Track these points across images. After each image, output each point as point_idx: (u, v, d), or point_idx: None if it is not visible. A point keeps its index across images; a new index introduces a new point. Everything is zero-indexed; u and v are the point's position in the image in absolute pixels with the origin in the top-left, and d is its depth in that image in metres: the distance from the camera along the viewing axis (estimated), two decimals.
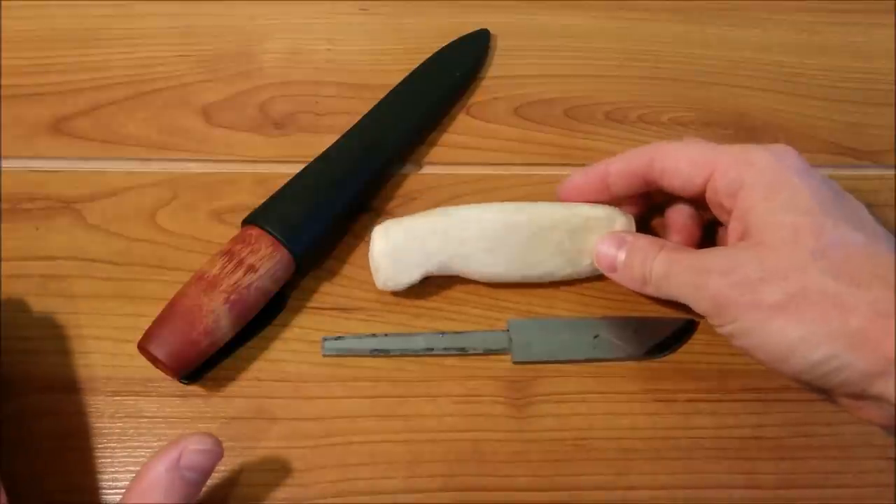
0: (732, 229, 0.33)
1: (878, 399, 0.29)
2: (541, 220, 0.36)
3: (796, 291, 0.29)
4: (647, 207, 0.39)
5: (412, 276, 0.36)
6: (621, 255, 0.34)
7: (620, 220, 0.36)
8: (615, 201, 0.37)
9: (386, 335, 0.36)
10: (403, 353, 0.36)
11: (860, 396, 0.29)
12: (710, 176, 0.33)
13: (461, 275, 0.37)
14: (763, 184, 0.31)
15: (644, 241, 0.34)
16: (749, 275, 0.30)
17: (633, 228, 0.36)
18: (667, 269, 0.32)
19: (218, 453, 0.29)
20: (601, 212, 0.36)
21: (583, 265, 0.36)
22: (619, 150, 0.42)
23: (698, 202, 0.35)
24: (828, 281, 0.28)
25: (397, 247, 0.35)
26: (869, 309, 0.28)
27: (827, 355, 0.28)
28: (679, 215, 0.37)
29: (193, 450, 0.28)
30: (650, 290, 0.33)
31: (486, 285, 0.38)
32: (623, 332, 0.36)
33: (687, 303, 0.32)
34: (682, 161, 0.34)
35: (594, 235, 0.36)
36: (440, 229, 0.36)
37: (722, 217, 0.34)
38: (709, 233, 0.37)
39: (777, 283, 0.29)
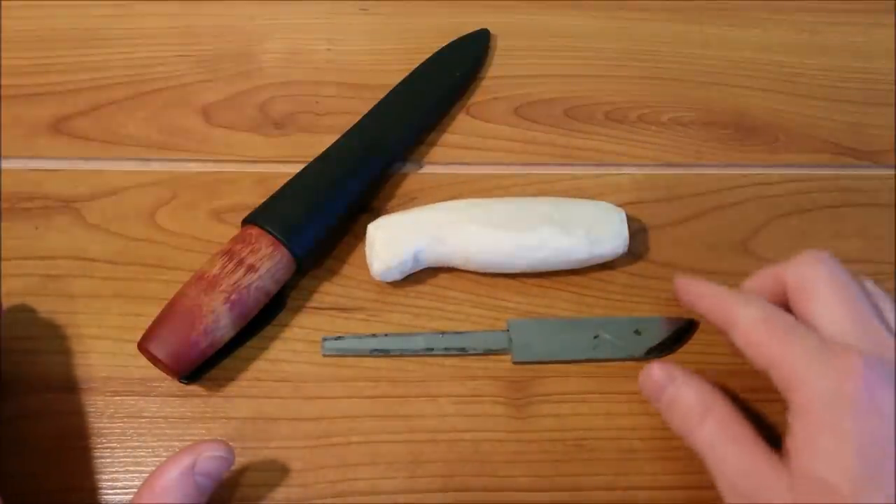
0: (787, 438, 0.29)
1: None
2: (528, 198, 0.39)
3: None
4: None
5: (405, 251, 0.36)
6: (668, 394, 0.32)
7: (609, 205, 0.38)
8: None
9: (386, 335, 0.36)
10: (403, 353, 0.36)
11: None
12: (769, 371, 0.30)
13: (454, 258, 0.37)
14: (810, 417, 0.28)
15: (690, 393, 0.32)
16: None
17: (625, 220, 0.37)
18: (704, 451, 0.30)
19: (230, 460, 0.30)
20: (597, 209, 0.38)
21: (577, 235, 0.36)
22: (619, 150, 0.43)
23: None
24: None
25: (391, 225, 0.37)
26: None
27: None
28: None
29: (208, 456, 0.29)
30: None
31: (486, 284, 0.38)
32: (623, 332, 0.36)
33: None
34: (747, 344, 0.31)
35: (584, 211, 0.37)
36: (434, 212, 0.37)
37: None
38: None
39: None
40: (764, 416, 0.35)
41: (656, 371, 0.33)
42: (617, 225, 0.37)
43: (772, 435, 0.31)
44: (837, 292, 0.31)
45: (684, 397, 0.32)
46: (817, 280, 0.31)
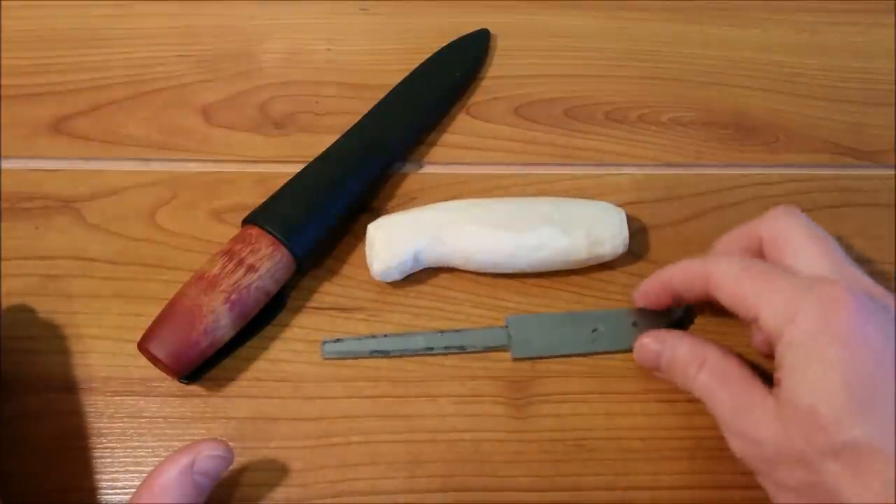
0: (776, 374, 0.30)
1: None
2: (528, 198, 0.39)
3: (806, 483, 0.28)
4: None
5: (405, 251, 0.36)
6: (664, 358, 0.34)
7: (608, 205, 0.38)
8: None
9: (385, 336, 0.36)
10: (403, 354, 0.36)
11: None
12: (756, 317, 0.30)
13: (454, 258, 0.37)
14: (797, 349, 0.28)
15: (685, 349, 0.33)
16: (770, 454, 0.29)
17: (625, 220, 0.37)
18: (705, 397, 0.32)
19: (229, 460, 0.30)
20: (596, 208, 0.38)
21: (577, 236, 0.36)
22: (619, 150, 0.43)
23: None
24: (834, 485, 0.27)
25: (391, 225, 0.37)
26: None
27: None
28: None
29: (207, 455, 0.29)
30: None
31: (486, 284, 0.38)
32: (622, 324, 0.36)
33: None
34: (731, 294, 0.31)
35: (584, 211, 0.37)
36: (434, 211, 0.37)
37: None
38: None
39: (791, 470, 0.28)
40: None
41: (648, 340, 0.34)
42: (617, 225, 0.37)
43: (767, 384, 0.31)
44: (813, 240, 0.32)
45: (679, 354, 0.33)
46: (791, 230, 0.32)
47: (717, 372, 0.32)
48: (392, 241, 0.36)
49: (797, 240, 0.32)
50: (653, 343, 0.34)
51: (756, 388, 0.30)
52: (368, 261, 0.37)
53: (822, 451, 0.27)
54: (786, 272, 0.31)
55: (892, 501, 0.25)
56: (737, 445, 0.31)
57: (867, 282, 0.31)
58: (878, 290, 0.30)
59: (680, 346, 0.33)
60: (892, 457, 0.26)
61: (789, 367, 0.29)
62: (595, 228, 0.37)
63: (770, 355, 0.31)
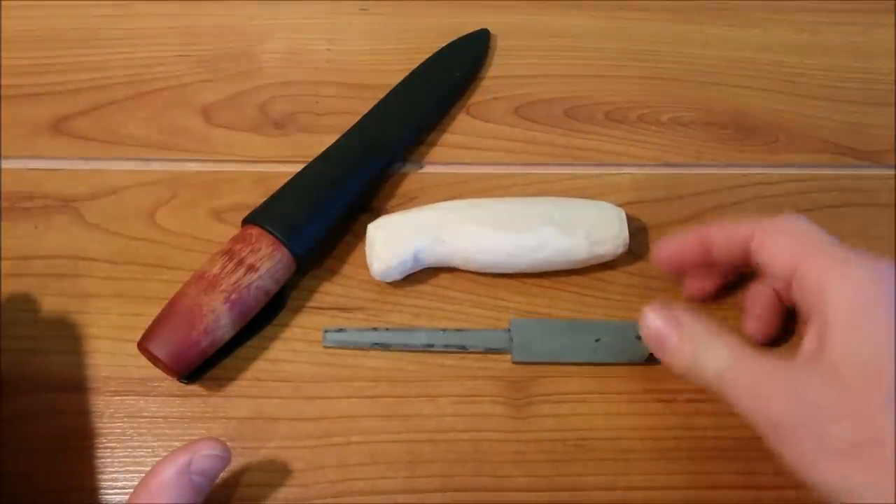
0: (809, 339, 0.29)
1: None
2: (529, 198, 0.39)
3: (867, 438, 0.27)
4: (722, 286, 0.37)
5: (405, 251, 0.36)
6: (673, 338, 0.31)
7: (609, 205, 0.38)
8: (697, 272, 0.36)
9: (387, 329, 0.36)
10: (404, 348, 0.36)
11: None
12: (797, 276, 0.30)
13: (454, 259, 0.37)
14: (851, 306, 0.28)
15: (700, 326, 0.31)
16: (818, 409, 0.27)
17: (625, 221, 0.37)
18: (723, 372, 0.30)
19: (227, 459, 0.30)
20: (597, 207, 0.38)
21: (577, 236, 0.36)
22: (619, 150, 0.43)
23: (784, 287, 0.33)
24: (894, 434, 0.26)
25: (391, 225, 0.37)
26: None
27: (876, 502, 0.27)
28: (759, 301, 0.35)
29: (204, 455, 0.29)
30: (694, 382, 0.31)
31: (486, 284, 0.38)
32: (625, 337, 0.36)
33: (736, 410, 0.30)
34: (778, 247, 0.31)
35: (584, 211, 0.37)
36: (433, 211, 0.37)
37: (803, 312, 0.31)
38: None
39: (847, 424, 0.27)
40: None
41: (655, 316, 0.32)
42: (617, 225, 0.37)
43: None
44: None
45: (695, 333, 0.31)
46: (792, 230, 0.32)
47: (737, 345, 0.30)
48: (392, 241, 0.36)
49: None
50: (661, 321, 0.31)
51: (786, 359, 0.29)
52: (368, 261, 0.37)
53: (887, 399, 0.27)
54: (832, 237, 0.31)
55: None
56: (777, 408, 0.28)
57: None
58: None
59: (695, 322, 0.31)
60: None
61: (844, 323, 0.28)
62: (595, 228, 0.37)
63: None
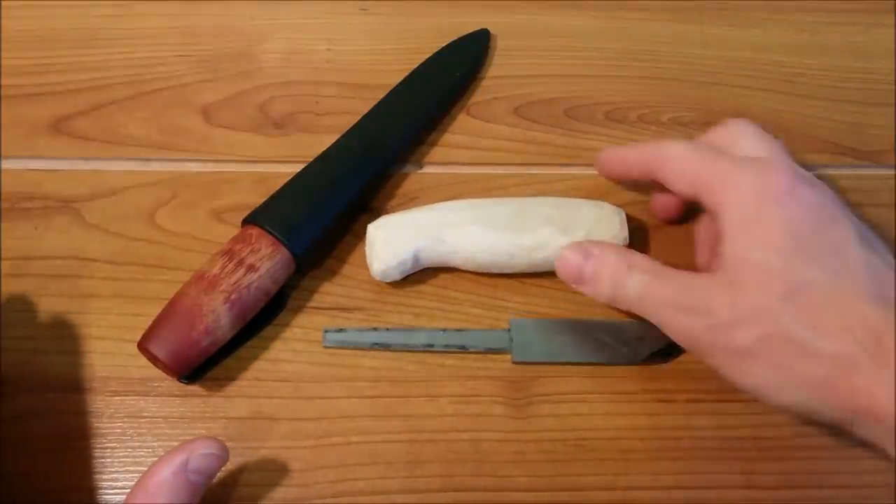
0: (718, 249, 0.31)
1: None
2: (528, 199, 0.38)
3: (764, 336, 0.28)
4: (682, 203, 0.39)
5: (405, 252, 0.36)
6: (588, 267, 0.32)
7: (608, 205, 0.38)
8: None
9: (387, 329, 0.36)
10: (404, 348, 0.36)
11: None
12: (699, 192, 0.32)
13: (453, 259, 0.37)
14: (740, 213, 0.30)
15: (612, 254, 0.32)
16: (722, 318, 0.29)
17: (624, 220, 0.37)
18: (640, 295, 0.31)
19: (224, 458, 0.30)
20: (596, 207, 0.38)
21: (577, 236, 0.36)
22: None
23: None
24: (794, 328, 0.28)
25: (391, 225, 0.37)
26: (831, 363, 0.27)
27: (794, 401, 0.29)
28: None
29: (201, 454, 0.29)
30: (621, 308, 0.33)
31: (486, 284, 0.38)
32: (625, 337, 0.36)
33: (661, 328, 0.32)
34: (676, 171, 0.33)
35: (584, 211, 0.37)
36: (433, 212, 0.37)
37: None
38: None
39: (747, 328, 0.29)
40: (764, 416, 0.35)
41: (568, 253, 0.33)
42: (617, 225, 0.37)
43: None
44: (757, 135, 0.34)
45: (606, 261, 0.32)
46: (739, 131, 0.34)
47: (647, 268, 0.32)
48: (392, 242, 0.36)
49: (744, 139, 0.34)
50: (574, 254, 0.33)
51: (690, 271, 0.31)
52: (368, 261, 0.37)
53: (780, 296, 0.28)
54: (729, 153, 0.33)
55: (846, 336, 0.27)
56: (687, 326, 0.30)
57: (802, 169, 0.33)
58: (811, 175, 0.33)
59: (605, 251, 0.33)
60: (842, 295, 0.28)
61: (737, 229, 0.30)
62: (595, 229, 0.37)
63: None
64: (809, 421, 0.31)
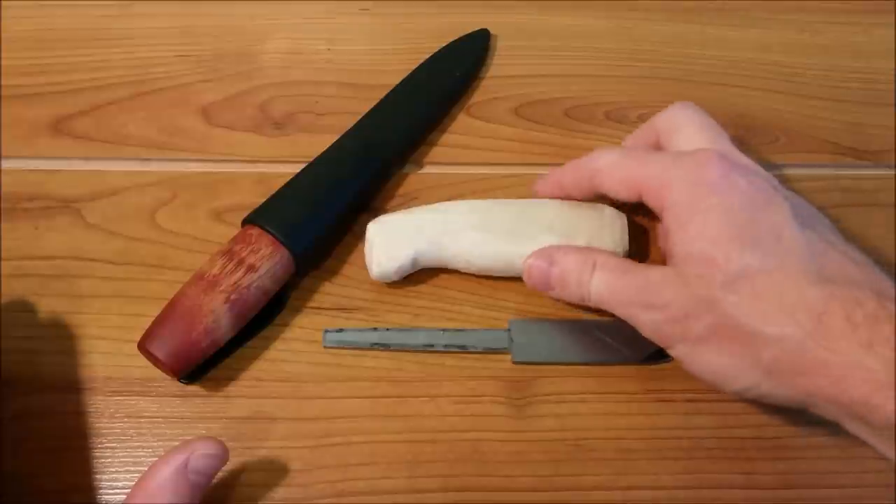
0: (664, 248, 0.33)
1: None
2: (530, 203, 0.37)
3: (714, 325, 0.29)
4: None
5: (404, 255, 0.36)
6: (554, 272, 0.34)
7: (610, 210, 0.37)
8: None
9: (387, 329, 0.36)
10: (404, 348, 0.36)
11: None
12: (640, 193, 0.33)
13: (453, 262, 0.37)
14: (678, 209, 0.31)
15: (574, 257, 0.33)
16: (677, 312, 0.30)
17: (626, 225, 0.37)
18: (604, 293, 0.32)
19: (224, 458, 0.30)
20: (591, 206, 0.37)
21: (578, 243, 0.36)
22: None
23: None
24: (738, 315, 0.29)
25: (390, 226, 0.36)
26: (777, 346, 0.28)
27: (750, 384, 0.29)
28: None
29: (201, 454, 0.29)
30: (591, 307, 0.33)
31: (487, 284, 0.38)
32: (624, 337, 0.36)
33: (630, 322, 0.32)
34: (615, 179, 0.33)
35: (585, 217, 0.37)
36: (433, 212, 0.37)
37: None
38: None
39: (698, 318, 0.30)
40: (764, 416, 0.35)
41: (533, 260, 0.34)
42: (619, 232, 0.37)
43: None
44: (699, 126, 0.35)
45: (569, 264, 0.33)
46: (681, 118, 0.35)
47: (610, 266, 0.32)
48: (391, 245, 0.36)
49: (686, 127, 0.35)
50: (539, 261, 0.34)
51: (651, 267, 0.32)
52: (367, 262, 0.37)
53: (722, 285, 0.29)
54: (662, 151, 0.33)
55: (788, 319, 0.28)
56: (648, 321, 0.31)
57: (737, 151, 0.34)
58: (748, 160, 0.33)
59: (568, 254, 0.34)
60: (782, 277, 0.28)
61: (676, 225, 0.31)
62: (596, 236, 0.36)
63: None
64: (771, 407, 0.31)
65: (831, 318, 0.27)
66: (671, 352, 0.32)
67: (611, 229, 0.37)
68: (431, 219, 0.37)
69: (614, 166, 0.34)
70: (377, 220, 0.37)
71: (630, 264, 0.32)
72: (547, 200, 0.38)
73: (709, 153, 0.32)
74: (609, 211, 0.37)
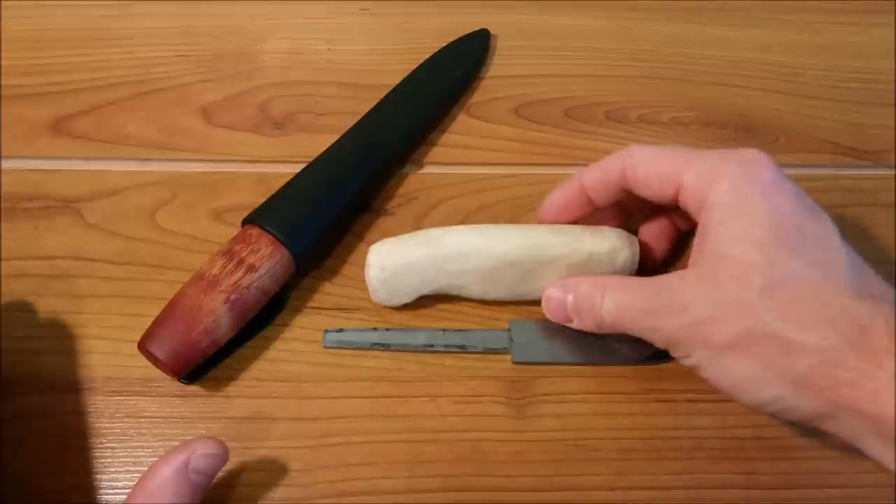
0: (696, 245, 0.31)
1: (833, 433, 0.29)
2: (540, 256, 0.34)
3: (743, 331, 0.28)
4: (626, 219, 0.38)
5: (407, 298, 0.36)
6: (570, 300, 0.33)
7: (624, 255, 0.35)
8: (597, 215, 0.36)
9: (387, 329, 0.36)
10: (404, 348, 0.36)
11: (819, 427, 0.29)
12: (679, 188, 0.32)
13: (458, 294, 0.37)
14: (724, 205, 0.30)
15: (586, 285, 0.33)
16: (699, 314, 0.29)
17: (637, 260, 0.35)
18: (617, 314, 0.32)
19: (224, 458, 0.30)
20: (604, 245, 0.35)
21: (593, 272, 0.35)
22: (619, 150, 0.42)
23: (675, 208, 0.34)
24: (775, 322, 0.28)
25: (394, 274, 0.35)
26: (814, 356, 0.27)
27: (774, 396, 0.28)
28: (649, 230, 0.37)
29: (201, 454, 0.29)
30: (610, 332, 0.33)
31: None
32: (625, 337, 0.36)
33: (645, 339, 0.32)
34: (651, 172, 0.32)
35: (596, 246, 0.35)
36: (436, 261, 0.35)
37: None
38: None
39: (726, 323, 0.28)
40: (763, 416, 0.35)
41: (551, 291, 0.34)
42: (629, 258, 0.35)
43: None
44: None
45: (582, 291, 0.33)
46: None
47: (620, 285, 0.32)
48: (393, 291, 0.35)
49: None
50: (556, 292, 0.34)
51: (663, 275, 0.31)
52: (367, 283, 0.36)
53: (760, 289, 0.28)
54: (704, 149, 0.32)
55: (829, 329, 0.27)
56: (662, 328, 0.30)
57: None
58: None
59: (581, 283, 0.33)
60: (824, 287, 0.28)
61: (717, 222, 0.30)
62: (608, 270, 0.35)
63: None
64: (781, 419, 0.31)
65: (875, 332, 0.26)
66: (687, 360, 0.30)
67: (622, 258, 0.35)
68: (436, 270, 0.35)
69: (653, 160, 0.32)
70: (377, 255, 0.35)
71: (636, 278, 0.32)
72: (559, 253, 0.34)
73: (759, 154, 0.31)
74: (622, 240, 0.35)
